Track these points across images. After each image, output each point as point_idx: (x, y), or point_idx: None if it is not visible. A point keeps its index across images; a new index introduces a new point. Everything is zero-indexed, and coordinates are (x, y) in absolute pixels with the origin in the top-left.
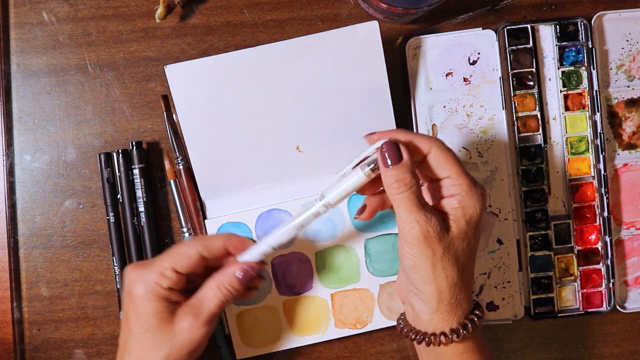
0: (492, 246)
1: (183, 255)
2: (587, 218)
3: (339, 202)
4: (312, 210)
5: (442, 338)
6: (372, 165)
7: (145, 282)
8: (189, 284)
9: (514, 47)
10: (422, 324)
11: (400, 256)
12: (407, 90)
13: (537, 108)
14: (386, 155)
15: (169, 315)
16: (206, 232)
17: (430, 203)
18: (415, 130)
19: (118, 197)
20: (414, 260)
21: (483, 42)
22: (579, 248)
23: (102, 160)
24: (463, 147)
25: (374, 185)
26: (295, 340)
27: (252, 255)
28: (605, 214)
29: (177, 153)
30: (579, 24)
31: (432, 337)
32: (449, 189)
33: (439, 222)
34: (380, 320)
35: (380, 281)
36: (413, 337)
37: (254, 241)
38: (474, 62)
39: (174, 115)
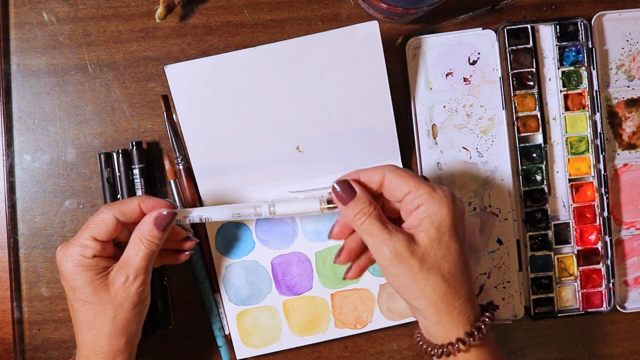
0: (492, 246)
1: (100, 222)
2: (587, 218)
3: (284, 215)
4: (256, 210)
5: (450, 347)
6: (330, 204)
7: (70, 257)
8: (120, 249)
9: (514, 47)
10: (433, 337)
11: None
12: (407, 90)
13: (537, 108)
14: (340, 194)
15: (102, 281)
16: (206, 232)
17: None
18: (415, 131)
19: (118, 197)
20: (396, 281)
21: (483, 42)
22: (579, 248)
23: (102, 160)
24: (463, 147)
25: (343, 230)
26: (295, 340)
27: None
28: (605, 214)
29: (177, 153)
30: (579, 24)
31: (441, 349)
32: (413, 202)
33: (404, 237)
34: (380, 320)
35: (380, 281)
36: (429, 350)
37: (172, 203)
38: (474, 62)
39: (174, 115)
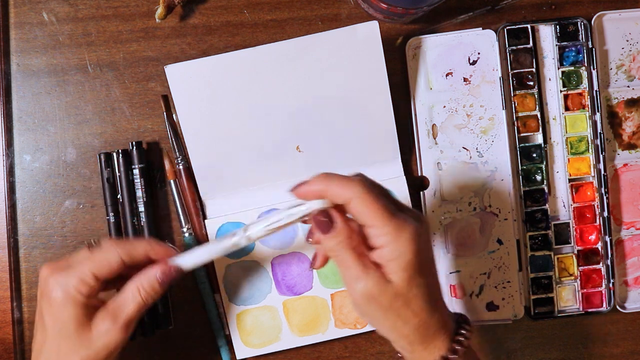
0: (492, 246)
1: (104, 261)
2: (587, 218)
3: (260, 238)
4: (232, 242)
5: None
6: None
7: (64, 287)
8: (106, 285)
9: (514, 47)
10: None
11: None
12: (407, 90)
13: (537, 108)
14: (319, 223)
15: (87, 320)
16: (206, 232)
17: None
18: (415, 131)
19: (118, 197)
20: (366, 316)
21: (483, 42)
22: (579, 248)
23: (102, 160)
24: (463, 147)
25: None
26: (295, 340)
27: (173, 262)
28: (605, 214)
29: (177, 153)
30: (579, 24)
31: None
32: (378, 239)
33: (377, 276)
34: None
35: None
36: None
37: (177, 251)
38: (474, 62)
39: (174, 115)
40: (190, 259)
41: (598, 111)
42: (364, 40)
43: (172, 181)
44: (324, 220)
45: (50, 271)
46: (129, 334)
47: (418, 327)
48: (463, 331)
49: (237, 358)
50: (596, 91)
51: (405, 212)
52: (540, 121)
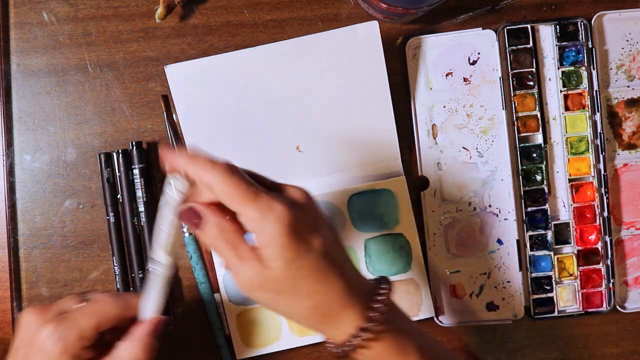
0: (492, 246)
1: (104, 314)
2: (587, 218)
3: (172, 253)
4: (163, 276)
5: (351, 343)
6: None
7: (63, 340)
8: None
9: (514, 47)
10: (336, 340)
11: None
12: (407, 90)
13: (537, 108)
14: (188, 221)
15: None
16: None
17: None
18: (415, 131)
19: (118, 197)
20: (261, 304)
21: (483, 42)
22: (579, 248)
23: (102, 160)
24: (463, 147)
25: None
26: (295, 340)
27: (149, 312)
28: (605, 214)
29: None
30: (579, 24)
31: (342, 347)
32: (247, 225)
33: (256, 267)
34: None
35: None
36: (337, 353)
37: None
38: (474, 62)
39: (174, 115)
40: (151, 306)
41: (598, 111)
42: (364, 40)
43: None
44: (191, 216)
45: (41, 319)
46: None
47: (315, 308)
48: (379, 294)
49: (237, 358)
50: (596, 91)
51: (278, 191)
52: (540, 121)
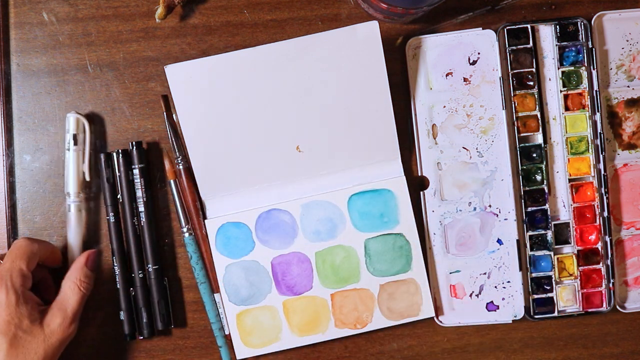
0: (492, 246)
1: (30, 254)
2: (587, 218)
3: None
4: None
5: None
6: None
7: (12, 286)
8: None
9: (514, 47)
10: None
11: None
12: (407, 90)
13: (537, 108)
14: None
15: (39, 317)
16: (206, 232)
17: None
18: (415, 131)
19: (118, 197)
20: None
21: (483, 42)
22: (579, 248)
23: (102, 160)
24: (463, 147)
25: None
26: (295, 340)
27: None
28: (605, 214)
29: (177, 153)
30: (579, 24)
31: None
32: None
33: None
34: (380, 320)
35: (380, 281)
36: None
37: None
38: (474, 62)
39: (174, 115)
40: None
41: (598, 111)
42: (364, 40)
43: (172, 181)
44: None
45: None
46: (77, 326)
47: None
48: None
49: (237, 358)
50: (596, 91)
51: None
52: (540, 121)
